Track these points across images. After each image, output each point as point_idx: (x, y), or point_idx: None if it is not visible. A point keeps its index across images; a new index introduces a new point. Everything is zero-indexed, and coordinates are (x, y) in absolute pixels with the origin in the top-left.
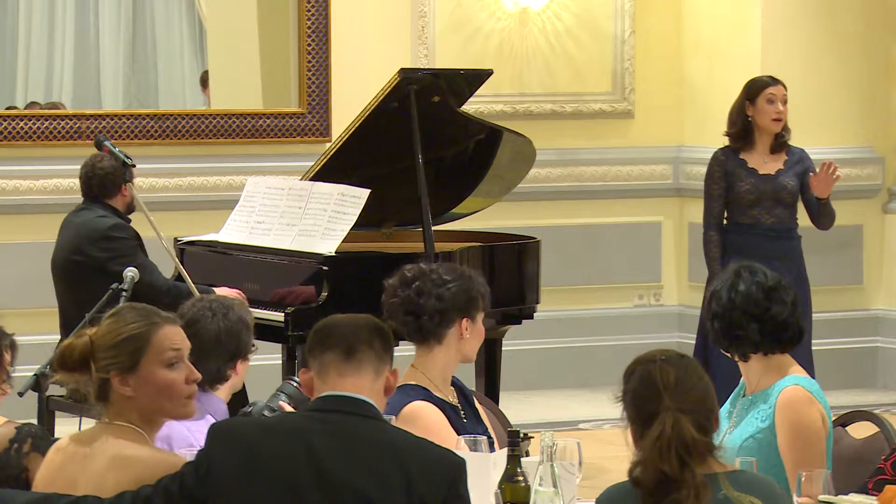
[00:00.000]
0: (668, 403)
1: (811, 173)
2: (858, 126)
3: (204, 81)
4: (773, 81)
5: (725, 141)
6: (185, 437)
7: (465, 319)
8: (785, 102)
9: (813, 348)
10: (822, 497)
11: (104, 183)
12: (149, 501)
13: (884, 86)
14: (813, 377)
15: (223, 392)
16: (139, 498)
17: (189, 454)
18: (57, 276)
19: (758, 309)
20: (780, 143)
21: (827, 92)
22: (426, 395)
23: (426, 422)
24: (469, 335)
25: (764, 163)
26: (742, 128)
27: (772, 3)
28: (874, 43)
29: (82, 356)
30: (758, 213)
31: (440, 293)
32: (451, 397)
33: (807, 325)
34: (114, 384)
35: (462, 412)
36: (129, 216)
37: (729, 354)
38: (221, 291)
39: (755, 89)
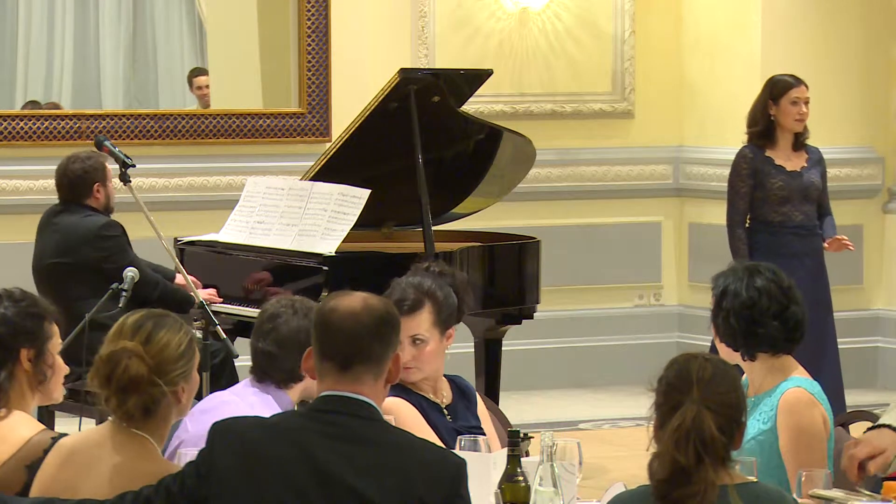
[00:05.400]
0: (695, 396)
1: (826, 244)
2: (858, 126)
3: (190, 80)
4: (797, 82)
5: (727, 140)
6: None
7: None
8: (807, 103)
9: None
10: (814, 492)
11: (73, 185)
12: (149, 502)
13: (884, 86)
14: (840, 376)
15: (295, 393)
16: (140, 498)
17: (191, 454)
18: (42, 279)
19: (779, 306)
20: (800, 142)
21: (827, 92)
22: (400, 391)
23: (396, 416)
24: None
25: (789, 160)
26: (765, 127)
27: (772, 3)
28: (874, 43)
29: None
30: (788, 210)
31: None
32: (438, 396)
33: (831, 322)
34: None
35: (446, 410)
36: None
37: (738, 353)
38: (201, 293)
39: (779, 90)
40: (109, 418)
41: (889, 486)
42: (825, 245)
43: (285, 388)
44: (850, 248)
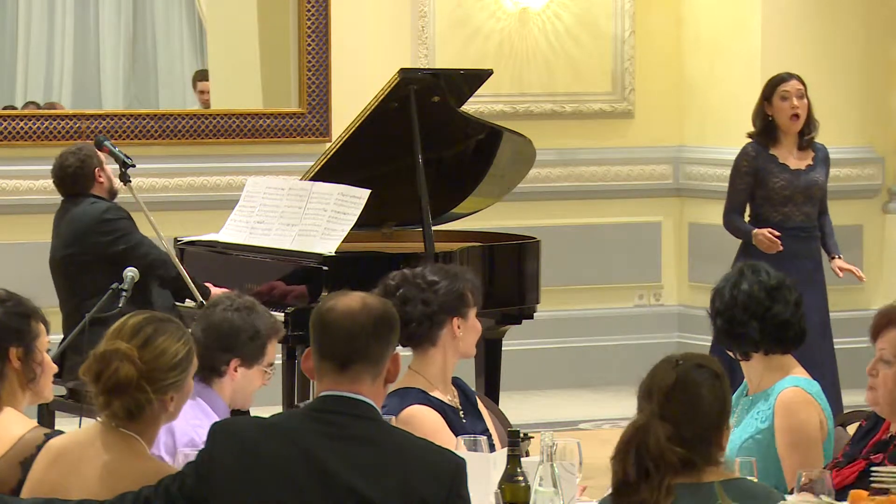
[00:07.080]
0: (653, 406)
1: (836, 267)
2: (858, 126)
3: (194, 83)
4: (788, 77)
5: (728, 140)
6: (187, 433)
7: (455, 319)
8: (801, 97)
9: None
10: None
11: (77, 178)
12: (149, 502)
13: (884, 86)
14: (837, 377)
15: (224, 391)
16: (140, 498)
17: (191, 454)
18: (56, 273)
19: (759, 308)
20: (806, 141)
21: (827, 92)
22: (424, 398)
23: (424, 425)
24: (463, 333)
25: (793, 158)
26: (763, 127)
27: (772, 3)
28: (874, 43)
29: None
30: (789, 210)
31: (426, 297)
32: (452, 398)
33: (828, 324)
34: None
35: (462, 413)
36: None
37: (731, 353)
38: (215, 291)
39: (769, 87)
40: (98, 418)
41: (856, 495)
42: (834, 267)
43: (209, 384)
44: (861, 279)
